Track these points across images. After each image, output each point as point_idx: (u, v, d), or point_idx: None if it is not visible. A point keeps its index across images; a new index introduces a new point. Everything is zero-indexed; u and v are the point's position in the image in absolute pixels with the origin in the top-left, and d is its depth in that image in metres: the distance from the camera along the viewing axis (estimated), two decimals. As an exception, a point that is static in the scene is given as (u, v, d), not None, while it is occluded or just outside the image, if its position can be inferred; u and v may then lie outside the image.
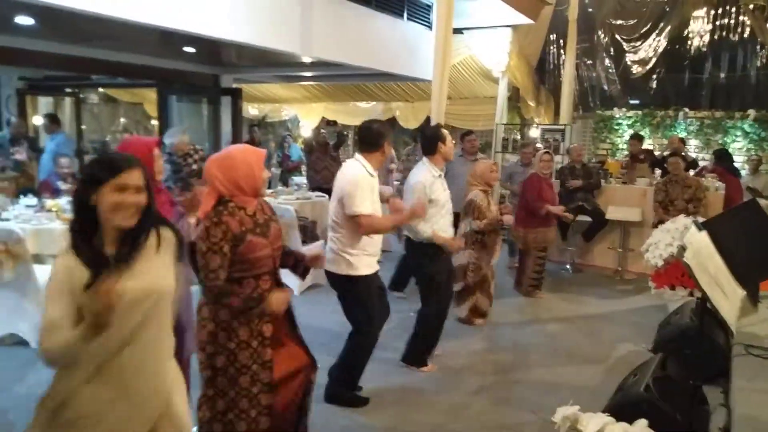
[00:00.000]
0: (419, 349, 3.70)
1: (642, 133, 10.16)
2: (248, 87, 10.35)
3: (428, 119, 7.00)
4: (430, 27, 7.50)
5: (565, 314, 5.00)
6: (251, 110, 12.52)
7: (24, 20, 4.77)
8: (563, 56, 9.88)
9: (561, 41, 10.39)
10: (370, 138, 3.11)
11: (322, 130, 7.78)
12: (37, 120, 9.13)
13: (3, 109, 8.92)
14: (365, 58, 6.70)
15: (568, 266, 6.55)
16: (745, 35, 9.87)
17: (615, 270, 6.42)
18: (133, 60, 6.86)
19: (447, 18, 5.40)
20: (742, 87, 9.96)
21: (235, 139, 8.12)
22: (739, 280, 2.39)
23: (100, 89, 10.94)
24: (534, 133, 8.86)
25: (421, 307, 3.70)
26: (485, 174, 4.50)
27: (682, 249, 2.30)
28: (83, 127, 10.31)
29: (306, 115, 12.47)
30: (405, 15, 7.31)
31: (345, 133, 9.54)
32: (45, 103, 9.95)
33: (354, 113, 11.85)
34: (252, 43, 5.27)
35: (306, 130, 12.32)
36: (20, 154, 5.50)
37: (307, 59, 6.52)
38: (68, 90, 9.91)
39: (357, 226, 2.97)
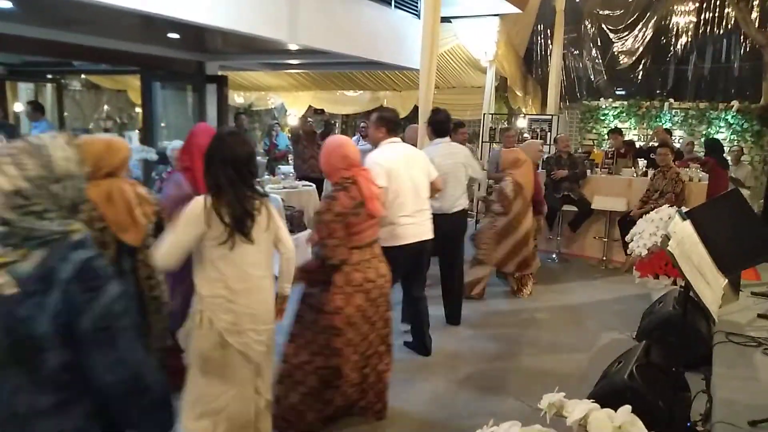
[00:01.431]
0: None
1: (627, 123, 10.24)
2: (234, 75, 10.22)
3: (416, 108, 6.98)
4: (418, 15, 7.45)
5: (551, 303, 5.04)
6: (237, 98, 12.39)
7: (1, 3, 4.65)
8: (551, 46, 9.88)
9: (548, 31, 10.40)
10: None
11: (309, 119, 7.71)
12: (18, 107, 8.96)
13: (-18, 96, 8.73)
14: (352, 47, 6.64)
15: (554, 256, 6.60)
16: (730, 27, 9.96)
17: (600, 259, 6.49)
18: (116, 46, 6.73)
19: (434, 6, 5.37)
20: (726, 78, 10.07)
21: (221, 126, 8.03)
22: (722, 268, 2.43)
23: (83, 76, 10.75)
24: (521, 123, 8.88)
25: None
26: (534, 153, 5.37)
27: (666, 238, 2.31)
28: (65, 114, 10.14)
29: (293, 104, 12.36)
30: (393, 3, 7.25)
31: (332, 122, 9.47)
32: (25, 89, 9.76)
33: (341, 102, 11.78)
34: (237, 29, 5.19)
35: (293, 118, 12.23)
36: (0, 142, 5.39)
37: (293, 47, 6.44)
38: (49, 76, 9.73)
39: None
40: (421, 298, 3.77)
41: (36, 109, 7.37)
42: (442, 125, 4.24)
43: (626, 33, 10.77)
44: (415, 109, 7.82)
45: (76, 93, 11.37)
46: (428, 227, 3.50)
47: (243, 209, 2.20)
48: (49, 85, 10.09)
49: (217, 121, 8.25)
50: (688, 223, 2.40)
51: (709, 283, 2.30)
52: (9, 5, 4.72)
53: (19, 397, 1.19)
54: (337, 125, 12.27)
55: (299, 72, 10.45)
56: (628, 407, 1.43)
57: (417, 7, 7.51)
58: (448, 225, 3.99)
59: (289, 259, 2.46)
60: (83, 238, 1.26)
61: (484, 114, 8.39)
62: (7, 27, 5.58)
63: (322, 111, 11.74)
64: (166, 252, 2.20)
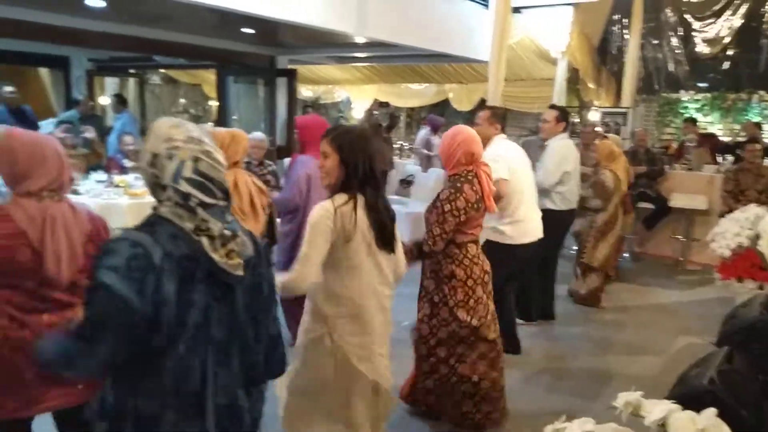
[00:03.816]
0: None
1: (710, 117, 9.62)
2: (302, 68, 10.45)
3: (483, 101, 6.86)
4: (486, 6, 7.31)
5: (623, 303, 4.85)
6: (305, 92, 12.65)
7: (95, 2, 4.96)
8: (627, 36, 9.43)
9: (625, 20, 9.92)
10: None
11: (375, 112, 7.76)
12: (104, 100, 9.56)
13: (74, 90, 9.37)
14: (420, 39, 6.61)
15: (627, 255, 6.33)
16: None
17: (676, 260, 6.16)
18: (194, 41, 7.03)
19: (506, -4, 5.25)
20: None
21: (290, 120, 8.23)
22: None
23: (162, 71, 11.31)
24: (593, 116, 8.54)
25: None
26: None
27: (756, 237, 2.16)
28: (146, 107, 10.74)
29: (358, 97, 12.48)
30: (462, -6, 7.14)
31: (397, 114, 9.48)
32: (111, 83, 10.39)
33: (406, 95, 11.77)
34: (308, 23, 5.29)
35: (358, 111, 12.35)
36: (90, 133, 5.76)
37: (360, 40, 6.50)
38: (132, 71, 10.31)
39: None
40: (510, 294, 3.69)
41: (120, 101, 7.85)
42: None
43: (711, 21, 10.09)
44: (482, 102, 7.70)
45: (156, 87, 11.98)
46: (541, 226, 3.46)
47: (387, 213, 2.02)
48: (131, 80, 10.70)
49: (287, 114, 8.47)
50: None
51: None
52: (103, 4, 5.03)
53: (250, 359, 1.43)
54: (401, 118, 12.28)
55: (365, 65, 10.52)
56: (713, 410, 1.35)
57: (487, -3, 7.37)
58: (560, 222, 4.08)
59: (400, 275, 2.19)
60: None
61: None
62: (99, 25, 5.96)
63: (387, 104, 11.79)
64: (310, 268, 1.90)
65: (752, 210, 3.23)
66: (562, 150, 4.09)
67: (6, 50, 8.37)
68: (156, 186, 1.30)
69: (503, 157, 3.18)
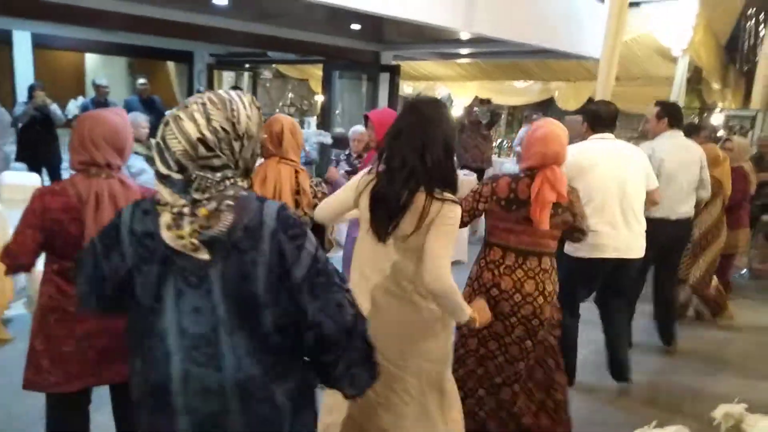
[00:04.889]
0: None
1: None
2: (404, 65, 10.57)
3: (590, 100, 6.55)
4: (601, 0, 6.97)
5: (741, 323, 4.43)
6: (406, 88, 12.78)
7: (220, 0, 5.35)
8: (762, 32, 8.55)
9: (762, 14, 8.99)
10: None
11: (475, 108, 7.66)
12: (221, 92, 10.28)
13: (195, 82, 10.17)
14: (526, 34, 6.44)
15: (745, 271, 5.78)
16: None
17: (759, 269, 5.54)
18: (304, 37, 7.37)
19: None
20: None
21: (391, 115, 8.36)
22: None
23: (273, 66, 11.96)
24: (716, 119, 7.86)
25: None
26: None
27: None
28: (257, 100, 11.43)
29: (459, 94, 12.40)
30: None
31: (498, 112, 9.24)
32: (227, 77, 11.16)
33: (509, 92, 11.50)
34: (415, 18, 5.35)
35: (458, 109, 12.27)
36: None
37: (465, 35, 6.45)
38: (247, 66, 11.00)
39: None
40: (620, 313, 3.23)
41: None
42: (678, 115, 3.66)
43: None
44: (589, 101, 7.34)
45: (267, 81, 12.69)
46: (636, 244, 2.92)
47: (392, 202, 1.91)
48: (246, 74, 11.41)
49: (391, 109, 8.63)
50: None
51: None
52: (226, 2, 5.42)
53: (244, 362, 1.15)
54: (502, 116, 12.02)
55: (468, 62, 10.43)
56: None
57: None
58: (665, 234, 3.40)
59: None
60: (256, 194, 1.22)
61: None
62: (221, 21, 6.43)
63: (489, 101, 11.59)
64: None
65: None
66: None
67: (139, 45, 9.29)
68: None
69: (572, 154, 2.55)
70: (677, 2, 7.24)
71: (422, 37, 7.37)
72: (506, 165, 7.93)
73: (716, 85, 8.67)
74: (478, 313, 1.87)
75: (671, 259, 3.70)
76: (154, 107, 6.76)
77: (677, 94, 7.63)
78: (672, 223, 3.44)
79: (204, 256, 1.12)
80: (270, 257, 1.13)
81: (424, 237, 1.72)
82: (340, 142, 7.58)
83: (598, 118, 3.00)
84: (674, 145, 3.48)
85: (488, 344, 2.37)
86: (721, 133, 7.12)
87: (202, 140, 1.12)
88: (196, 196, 1.12)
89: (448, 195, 1.74)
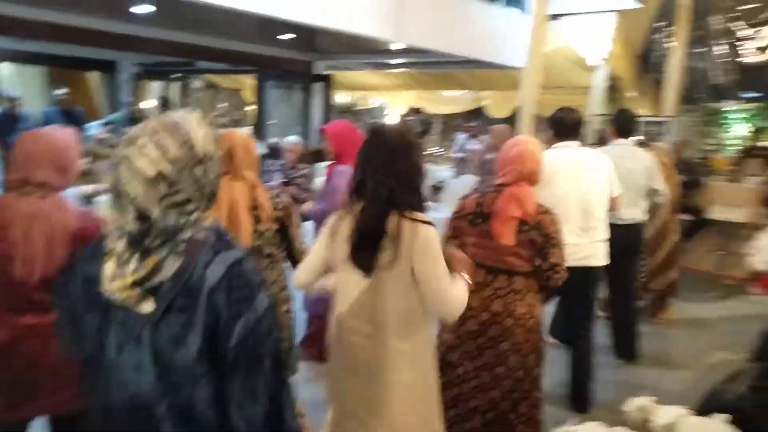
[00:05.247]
0: None
1: (760, 128, 9.31)
2: (338, 74, 10.61)
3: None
4: (523, 12, 7.29)
5: (658, 316, 4.72)
6: (340, 98, 12.81)
7: (144, 8, 5.18)
8: (671, 44, 9.22)
9: (670, 27, 9.70)
10: None
11: (410, 118, 7.80)
12: (149, 103, 9.93)
13: (120, 93, 9.77)
14: (455, 45, 6.63)
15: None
16: None
17: (714, 274, 5.97)
18: (234, 47, 7.25)
19: (543, 3, 5.23)
20: None
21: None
22: None
23: (204, 75, 11.67)
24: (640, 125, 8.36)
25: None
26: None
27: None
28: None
29: (394, 103, 12.56)
30: (500, 0, 7.14)
31: (431, 121, 9.45)
32: (155, 87, 10.79)
33: (443, 101, 11.76)
34: (347, 29, 5.39)
35: (392, 118, 12.42)
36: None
37: (397, 46, 6.57)
38: (175, 75, 10.69)
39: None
40: (582, 338, 3.15)
41: (165, 104, 8.16)
42: (626, 125, 3.74)
43: (761, 28, 9.74)
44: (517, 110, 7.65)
45: (197, 92, 12.36)
46: (598, 251, 2.93)
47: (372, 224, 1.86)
48: (175, 84, 11.09)
49: (323, 120, 8.63)
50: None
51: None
52: (152, 9, 5.26)
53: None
54: (434, 125, 12.28)
55: (401, 71, 10.60)
56: (725, 416, 1.34)
57: (524, 4, 7.34)
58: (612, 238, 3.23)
59: None
60: (224, 233, 1.07)
61: (591, 116, 8.01)
62: (145, 30, 6.22)
63: (418, 110, 11.82)
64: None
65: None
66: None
67: (59, 55, 8.81)
68: None
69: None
70: (595, 16, 7.69)
71: (355, 47, 7.43)
72: (439, 173, 8.09)
73: (633, 94, 9.24)
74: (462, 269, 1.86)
75: (622, 266, 3.55)
76: (74, 118, 6.44)
77: (596, 101, 8.09)
78: (617, 228, 3.29)
79: (144, 309, 0.98)
80: (205, 320, 0.98)
81: (408, 264, 1.67)
82: (275, 152, 7.51)
83: (562, 125, 3.01)
84: (622, 151, 3.52)
85: (464, 364, 2.30)
86: (641, 138, 7.58)
87: (162, 175, 0.98)
88: (148, 242, 0.99)
89: (419, 215, 1.72)
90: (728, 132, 9.65)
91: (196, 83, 12.05)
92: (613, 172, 3.02)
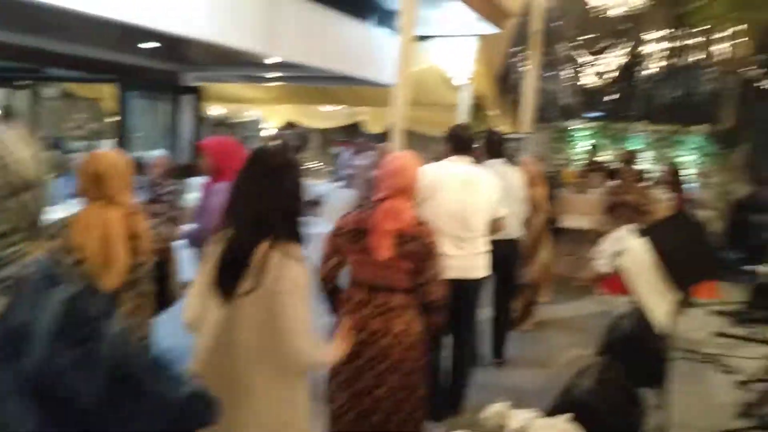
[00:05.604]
0: None
1: (599, 144, 10.53)
2: (211, 86, 10.23)
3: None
4: (395, 32, 7.58)
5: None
6: (213, 110, 12.35)
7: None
8: (527, 67, 10.13)
9: (524, 52, 10.65)
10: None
11: (286, 132, 7.73)
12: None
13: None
14: (329, 61, 6.71)
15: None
16: (697, 55, 10.34)
17: (567, 277, 6.59)
18: (91, 54, 6.69)
19: (410, 23, 5.47)
20: (693, 104, 10.45)
21: (197, 139, 8.01)
22: (674, 284, 2.50)
23: (58, 84, 10.62)
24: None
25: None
26: None
27: (621, 255, 2.39)
28: (40, 122, 10.00)
29: (271, 117, 12.37)
30: (372, 19, 7.36)
31: (307, 135, 9.42)
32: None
33: (320, 116, 11.81)
34: (215, 40, 5.21)
35: (268, 132, 12.22)
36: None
37: (271, 60, 6.49)
38: (21, 83, 9.59)
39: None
40: (462, 348, 3.24)
41: (7, 113, 7.27)
42: (496, 145, 3.99)
43: (600, 57, 11.08)
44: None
45: (51, 101, 11.21)
46: (477, 263, 3.05)
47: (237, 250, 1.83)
48: (22, 92, 9.94)
49: (193, 133, 8.24)
50: (642, 239, 2.47)
51: (661, 300, 2.37)
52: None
53: None
54: (312, 140, 12.29)
55: (278, 85, 10.49)
56: (569, 415, 1.47)
57: (396, 24, 7.64)
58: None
59: None
60: (50, 267, 0.92)
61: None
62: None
63: (292, 125, 11.76)
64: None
65: (623, 229, 3.57)
66: None
67: None
68: None
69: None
70: (459, 39, 8.22)
71: (227, 59, 7.21)
72: (316, 188, 8.08)
73: (494, 112, 9.99)
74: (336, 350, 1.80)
75: (501, 278, 3.88)
76: None
77: (463, 119, 8.62)
78: (496, 242, 3.37)
79: None
80: (36, 371, 0.83)
81: (271, 300, 1.59)
82: (139, 167, 7.02)
83: (458, 141, 3.14)
84: (492, 172, 3.62)
85: (338, 397, 2.22)
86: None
87: None
88: None
89: (292, 249, 1.64)
90: (574, 148, 10.79)
91: (50, 92, 10.93)
92: (499, 192, 3.15)
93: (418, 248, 2.22)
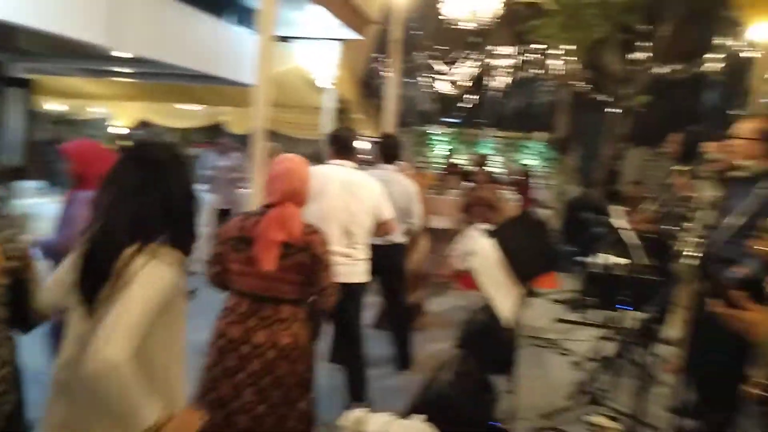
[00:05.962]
0: None
1: (454, 149, 11.26)
2: (45, 79, 9.15)
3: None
4: (254, 31, 7.39)
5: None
6: (51, 106, 11.07)
7: None
8: (389, 73, 10.46)
9: (385, 59, 10.99)
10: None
11: (138, 131, 7.16)
12: None
13: None
14: (184, 58, 6.35)
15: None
16: (536, 70, 11.49)
17: (430, 274, 6.91)
18: None
19: (269, 23, 5.35)
20: (534, 113, 11.61)
21: (28, 137, 7.11)
22: (518, 279, 2.73)
23: None
24: (361, 145, 9.19)
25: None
26: None
27: (471, 254, 2.55)
28: None
29: (120, 115, 11.38)
30: (231, 18, 7.10)
31: (162, 135, 8.80)
32: None
33: (178, 115, 11.12)
34: (46, 29, 4.66)
35: (117, 130, 11.25)
36: None
37: (117, 53, 5.97)
38: None
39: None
40: (353, 353, 3.23)
41: None
42: (390, 150, 3.93)
43: (454, 67, 11.82)
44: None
45: None
46: (358, 269, 3.01)
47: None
48: None
49: (25, 129, 7.30)
50: (490, 239, 2.66)
51: (507, 293, 2.57)
52: None
53: None
54: (169, 140, 11.55)
55: (127, 81, 9.70)
56: (421, 416, 1.53)
57: (253, 23, 7.45)
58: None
59: None
60: None
61: (323, 134, 8.54)
62: None
63: (146, 124, 10.99)
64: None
65: (474, 229, 3.82)
66: None
67: None
68: None
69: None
70: (322, 42, 8.24)
71: (63, 50, 6.49)
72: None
73: (358, 116, 10.17)
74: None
75: (388, 284, 3.86)
76: None
77: (328, 121, 8.66)
78: (379, 248, 3.34)
79: None
80: None
81: None
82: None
83: (341, 143, 3.11)
84: (384, 176, 3.63)
85: (213, 414, 1.94)
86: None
87: None
88: None
89: (165, 253, 1.44)
90: (433, 151, 11.40)
91: None
92: (383, 195, 3.12)
93: (306, 259, 2.08)
